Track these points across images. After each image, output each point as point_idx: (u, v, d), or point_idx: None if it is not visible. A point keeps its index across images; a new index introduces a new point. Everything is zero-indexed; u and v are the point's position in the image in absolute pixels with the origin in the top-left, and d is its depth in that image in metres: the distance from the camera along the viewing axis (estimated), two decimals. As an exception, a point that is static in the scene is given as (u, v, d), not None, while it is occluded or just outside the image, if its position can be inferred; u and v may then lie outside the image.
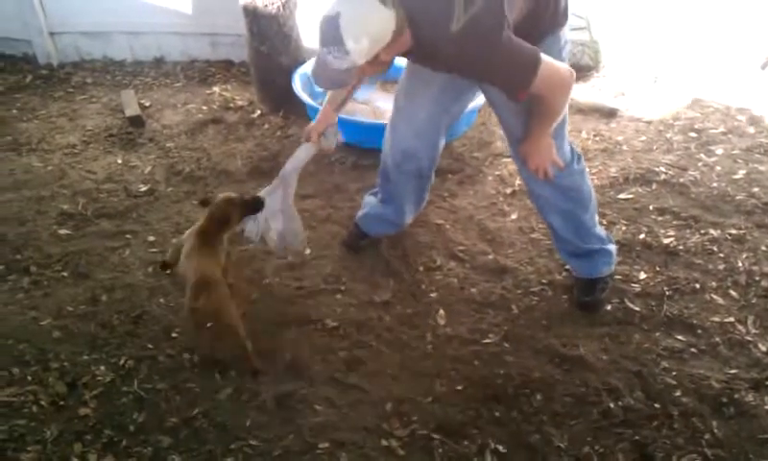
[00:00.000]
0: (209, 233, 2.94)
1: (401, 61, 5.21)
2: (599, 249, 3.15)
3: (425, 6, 2.27)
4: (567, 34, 2.68)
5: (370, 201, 3.55)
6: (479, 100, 3.38)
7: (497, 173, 4.24)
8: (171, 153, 4.56)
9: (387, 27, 2.21)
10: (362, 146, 4.41)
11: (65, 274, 3.42)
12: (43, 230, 3.72)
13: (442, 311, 3.19)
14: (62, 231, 3.73)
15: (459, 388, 2.80)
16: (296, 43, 4.91)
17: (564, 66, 2.44)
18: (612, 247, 3.22)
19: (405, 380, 2.83)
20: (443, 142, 3.19)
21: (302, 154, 3.06)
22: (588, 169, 3.02)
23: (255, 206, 3.02)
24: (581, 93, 5.20)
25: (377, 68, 2.42)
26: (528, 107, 2.63)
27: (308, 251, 3.41)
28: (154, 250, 3.59)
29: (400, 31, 2.26)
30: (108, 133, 4.77)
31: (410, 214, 3.48)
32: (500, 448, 2.55)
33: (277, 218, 3.09)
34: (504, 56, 2.30)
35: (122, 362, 2.91)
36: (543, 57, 2.32)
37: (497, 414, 2.68)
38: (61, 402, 2.74)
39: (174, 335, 3.05)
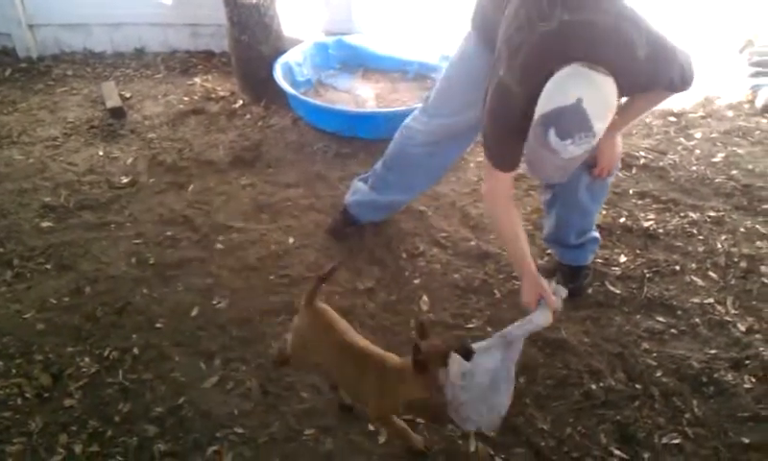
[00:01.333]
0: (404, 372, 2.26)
1: (386, 51, 5.24)
2: (590, 238, 3.20)
3: (613, 55, 2.17)
4: None
5: (360, 187, 3.54)
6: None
7: (479, 160, 4.25)
8: (153, 144, 4.55)
9: (614, 92, 2.12)
10: (344, 135, 4.42)
11: (48, 266, 3.42)
12: (25, 223, 3.72)
13: (425, 297, 3.20)
14: (45, 224, 3.73)
15: (443, 373, 2.82)
16: (276, 33, 4.91)
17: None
18: (598, 234, 3.27)
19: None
20: None
21: (541, 320, 2.40)
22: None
23: (465, 355, 2.18)
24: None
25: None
26: None
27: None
28: (136, 241, 3.59)
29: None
30: (90, 125, 4.76)
31: (404, 204, 3.53)
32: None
33: (482, 382, 2.33)
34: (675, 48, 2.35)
35: (106, 353, 2.92)
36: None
37: (481, 397, 2.70)
38: (46, 394, 2.75)
39: (158, 326, 3.06)
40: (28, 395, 2.74)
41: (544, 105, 2.11)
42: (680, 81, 2.40)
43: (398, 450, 2.49)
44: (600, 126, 2.07)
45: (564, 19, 2.17)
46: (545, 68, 2.16)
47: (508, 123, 2.37)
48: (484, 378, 2.31)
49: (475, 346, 2.24)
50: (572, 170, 2.25)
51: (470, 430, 2.49)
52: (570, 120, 2.04)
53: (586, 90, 2.04)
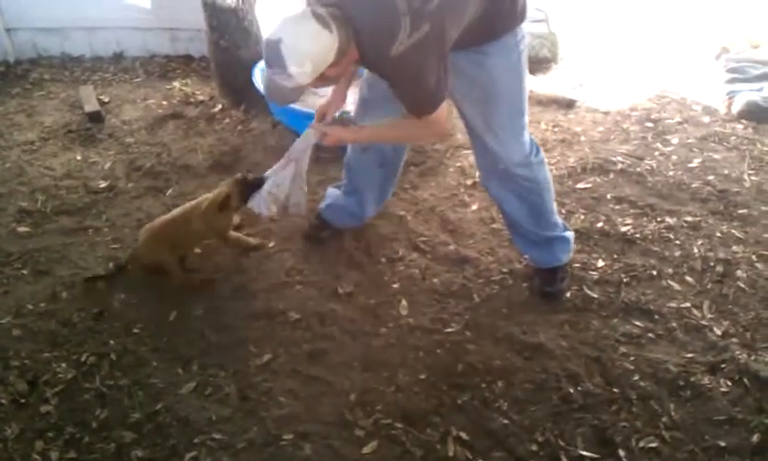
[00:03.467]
0: (210, 210, 3.25)
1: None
2: (557, 236, 3.19)
3: (374, 25, 2.30)
4: (525, 27, 2.72)
5: (332, 192, 3.56)
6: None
7: (458, 165, 4.27)
8: (131, 148, 4.53)
9: (328, 50, 2.25)
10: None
11: (25, 271, 3.40)
12: (2, 228, 3.69)
13: (404, 302, 3.20)
14: (21, 229, 3.70)
15: (422, 377, 2.82)
16: (255, 37, 4.90)
17: (449, 122, 2.69)
18: (570, 234, 3.26)
19: (368, 371, 2.85)
20: None
21: (312, 135, 2.98)
22: (546, 159, 3.05)
23: (258, 184, 3.11)
24: (540, 85, 5.26)
25: (326, 82, 2.49)
26: (484, 98, 2.72)
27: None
28: (114, 246, 3.57)
29: (344, 51, 2.30)
30: (67, 130, 4.73)
31: (372, 206, 3.51)
32: (463, 435, 2.57)
33: (283, 189, 3.09)
34: (427, 86, 2.40)
35: (83, 359, 2.90)
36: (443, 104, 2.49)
37: (460, 402, 2.71)
38: (22, 400, 2.72)
39: (135, 331, 3.04)
40: (3, 401, 2.71)
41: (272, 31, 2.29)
42: (414, 107, 2.53)
43: (378, 457, 2.49)
44: (296, 70, 2.24)
45: None
46: None
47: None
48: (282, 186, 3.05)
49: (267, 172, 3.12)
50: (290, 101, 2.47)
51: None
52: (269, 54, 2.26)
53: (289, 34, 2.23)
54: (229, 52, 4.83)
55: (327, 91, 4.67)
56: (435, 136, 3.12)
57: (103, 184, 4.11)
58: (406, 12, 2.24)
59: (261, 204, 3.10)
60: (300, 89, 2.34)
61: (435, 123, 2.54)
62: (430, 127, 2.59)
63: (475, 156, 3.08)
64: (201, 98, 5.17)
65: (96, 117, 4.85)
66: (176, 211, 3.38)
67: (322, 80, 2.39)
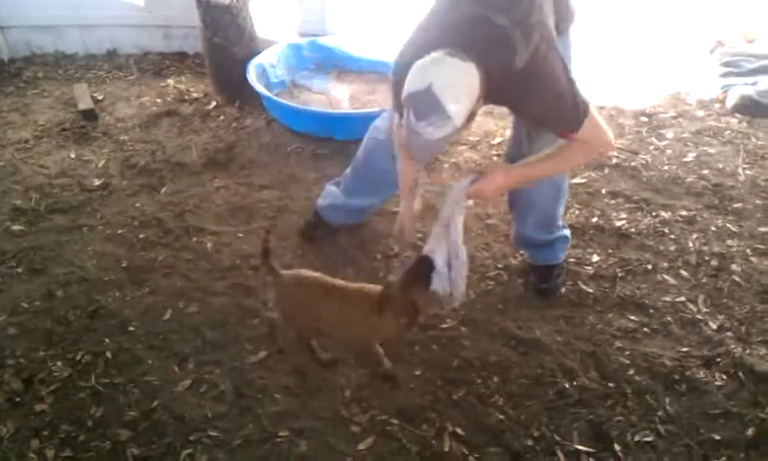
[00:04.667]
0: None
1: (360, 52, 5.25)
2: (559, 236, 3.21)
3: (490, 48, 2.22)
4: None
5: (332, 190, 3.54)
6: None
7: (453, 160, 4.27)
8: (125, 146, 4.52)
9: (475, 78, 2.17)
10: (318, 136, 4.42)
11: (20, 270, 3.39)
12: (-4, 227, 3.69)
13: (399, 298, 3.20)
14: (16, 227, 3.69)
15: (417, 373, 2.82)
16: (249, 34, 4.90)
17: (609, 132, 2.50)
18: (568, 232, 3.27)
19: (364, 367, 2.85)
20: None
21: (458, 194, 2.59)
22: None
23: (429, 268, 2.56)
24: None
25: (469, 125, 2.38)
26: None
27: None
28: (109, 244, 3.56)
29: (484, 81, 2.22)
30: (61, 128, 4.72)
31: (375, 206, 3.53)
32: (458, 430, 2.58)
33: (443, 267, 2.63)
34: (563, 90, 2.36)
35: (79, 357, 2.89)
36: (593, 108, 2.41)
37: (455, 397, 2.71)
38: (18, 399, 2.71)
39: (130, 329, 3.03)
40: (-1, 400, 2.71)
41: (405, 88, 2.20)
42: (560, 122, 2.45)
43: (374, 453, 2.49)
44: (455, 108, 2.13)
45: (469, 10, 2.26)
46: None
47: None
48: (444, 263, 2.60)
49: (426, 250, 2.63)
50: (438, 150, 2.40)
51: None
52: (421, 104, 2.14)
53: (437, 76, 2.12)
54: (224, 49, 4.82)
55: (322, 86, 4.69)
56: (598, 149, 2.64)
57: (97, 182, 4.10)
58: (512, 24, 2.21)
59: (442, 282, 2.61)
60: (451, 136, 2.22)
61: (592, 136, 2.44)
62: (587, 143, 2.47)
63: (512, 145, 2.99)
64: (195, 95, 5.16)
65: (90, 115, 4.83)
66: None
67: (467, 123, 2.29)
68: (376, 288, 2.60)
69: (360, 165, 3.31)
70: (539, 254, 3.25)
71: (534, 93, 2.34)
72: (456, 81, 2.15)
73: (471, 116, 2.29)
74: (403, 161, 2.79)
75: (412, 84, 2.16)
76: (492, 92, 2.29)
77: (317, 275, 2.69)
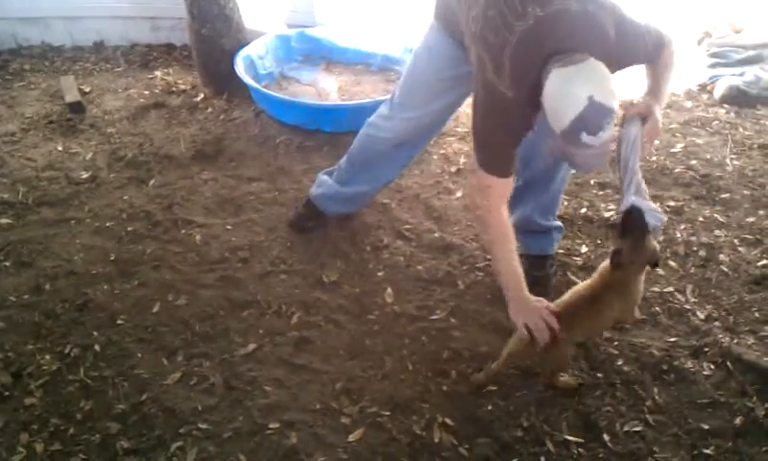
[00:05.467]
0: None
1: (348, 44, 5.23)
2: (556, 225, 3.24)
3: (588, 41, 2.22)
4: None
5: (325, 179, 3.52)
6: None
7: (442, 152, 4.27)
8: (113, 138, 4.49)
9: (601, 64, 2.18)
10: (307, 128, 4.41)
11: (7, 263, 3.37)
12: (-18, 220, 3.66)
13: (389, 289, 3.21)
14: (3, 221, 3.67)
15: (407, 364, 2.83)
16: (237, 26, 4.88)
17: None
18: (560, 222, 3.31)
19: (354, 359, 2.85)
20: None
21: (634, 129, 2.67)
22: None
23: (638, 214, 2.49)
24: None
25: None
26: None
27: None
28: (97, 237, 3.55)
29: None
30: (48, 120, 4.69)
31: (368, 197, 3.54)
32: (448, 421, 2.58)
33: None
34: (641, 23, 2.44)
35: (67, 350, 2.88)
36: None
37: (445, 388, 2.72)
38: (6, 393, 2.70)
39: (119, 322, 3.02)
40: (-13, 394, 2.70)
41: (561, 121, 2.15)
42: (652, 48, 2.50)
43: (364, 444, 2.50)
44: (615, 102, 2.14)
45: (539, 15, 2.20)
46: (531, 70, 2.22)
47: (507, 125, 2.44)
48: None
49: (634, 198, 2.55)
50: (608, 149, 2.29)
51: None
52: (594, 117, 2.10)
53: (590, 85, 2.10)
54: (212, 41, 4.79)
55: (311, 78, 4.67)
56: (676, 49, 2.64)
57: (84, 175, 4.08)
58: (581, 4, 2.21)
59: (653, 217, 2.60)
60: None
61: (672, 39, 2.56)
62: (673, 47, 2.58)
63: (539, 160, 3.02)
64: (183, 87, 5.13)
65: (77, 107, 4.80)
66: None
67: None
68: (587, 283, 2.65)
69: (359, 157, 3.31)
70: (535, 243, 3.24)
71: (633, 47, 2.43)
72: (609, 81, 2.16)
73: None
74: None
75: (570, 109, 2.10)
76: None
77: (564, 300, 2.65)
